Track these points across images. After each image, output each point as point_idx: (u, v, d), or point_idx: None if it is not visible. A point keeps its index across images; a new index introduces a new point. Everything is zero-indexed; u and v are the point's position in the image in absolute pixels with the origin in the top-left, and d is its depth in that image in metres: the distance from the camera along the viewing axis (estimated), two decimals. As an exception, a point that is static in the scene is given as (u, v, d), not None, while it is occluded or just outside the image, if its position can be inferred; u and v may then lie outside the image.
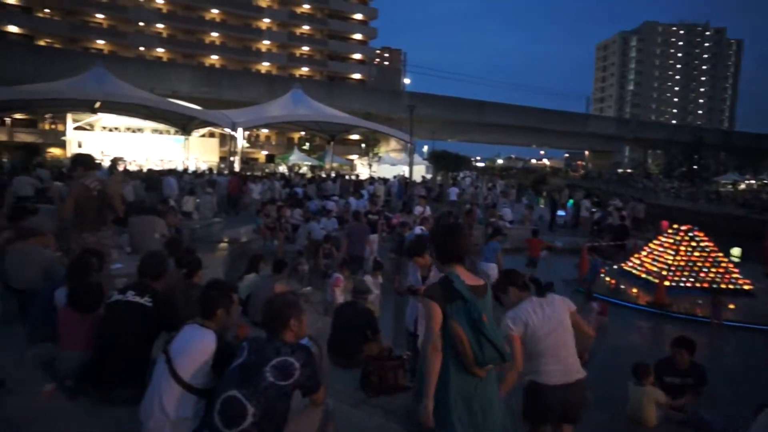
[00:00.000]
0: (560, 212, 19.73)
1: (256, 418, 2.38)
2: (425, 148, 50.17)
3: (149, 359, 3.37)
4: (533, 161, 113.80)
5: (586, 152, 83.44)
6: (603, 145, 66.08)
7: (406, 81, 59.63)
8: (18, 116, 36.42)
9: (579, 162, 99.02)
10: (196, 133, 29.40)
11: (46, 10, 50.88)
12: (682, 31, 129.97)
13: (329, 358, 5.03)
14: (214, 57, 58.29)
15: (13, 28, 48.47)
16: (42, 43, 48.20)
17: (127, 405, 3.19)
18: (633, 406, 4.66)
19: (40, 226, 5.08)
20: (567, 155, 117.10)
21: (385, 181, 24.72)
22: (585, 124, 61.02)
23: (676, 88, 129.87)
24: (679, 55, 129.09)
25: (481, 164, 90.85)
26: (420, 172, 35.13)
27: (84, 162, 5.56)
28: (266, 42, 61.32)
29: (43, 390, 3.46)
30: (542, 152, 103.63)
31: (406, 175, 28.93)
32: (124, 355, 3.36)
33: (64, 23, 50.73)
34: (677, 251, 11.41)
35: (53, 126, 42.78)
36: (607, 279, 11.60)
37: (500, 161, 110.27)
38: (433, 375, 2.63)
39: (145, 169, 22.42)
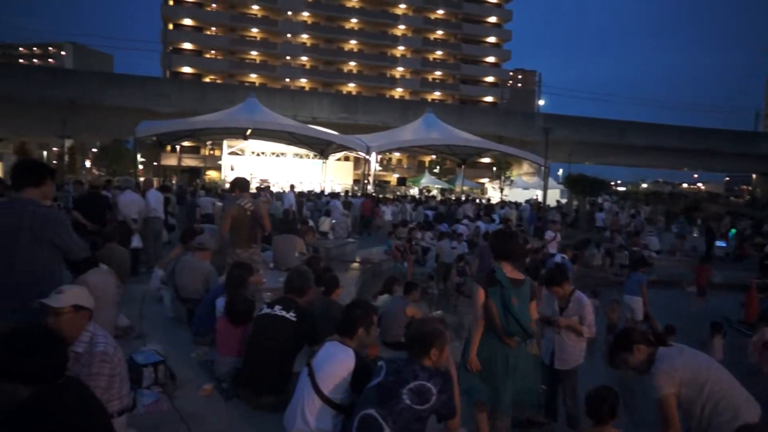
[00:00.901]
0: (720, 243, 17.57)
1: (393, 439, 2.42)
2: (560, 172, 47.98)
3: (292, 370, 3.62)
4: (684, 185, 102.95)
5: (754, 176, 73.46)
6: (778, 167, 57.47)
7: (540, 102, 57.59)
8: (185, 143, 41.74)
9: (743, 187, 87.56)
10: (333, 157, 31.18)
11: (212, 52, 58.20)
12: None
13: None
14: (351, 85, 61.81)
15: (186, 69, 56.14)
16: (207, 79, 55.06)
17: (272, 411, 3.44)
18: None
19: (205, 243, 5.73)
20: (728, 179, 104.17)
21: (517, 205, 24.04)
22: (754, 144, 53.71)
23: None
24: None
25: (622, 188, 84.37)
26: (554, 196, 33.64)
27: (240, 185, 6.21)
28: (400, 69, 63.63)
29: (203, 388, 3.87)
30: (695, 175, 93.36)
31: (539, 199, 27.84)
32: (270, 364, 3.63)
33: (225, 62, 57.62)
34: None
35: (212, 151, 48.48)
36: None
37: (644, 185, 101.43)
38: (476, 337, 3.66)
39: (286, 191, 24.28)
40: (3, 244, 3.03)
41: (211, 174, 44.73)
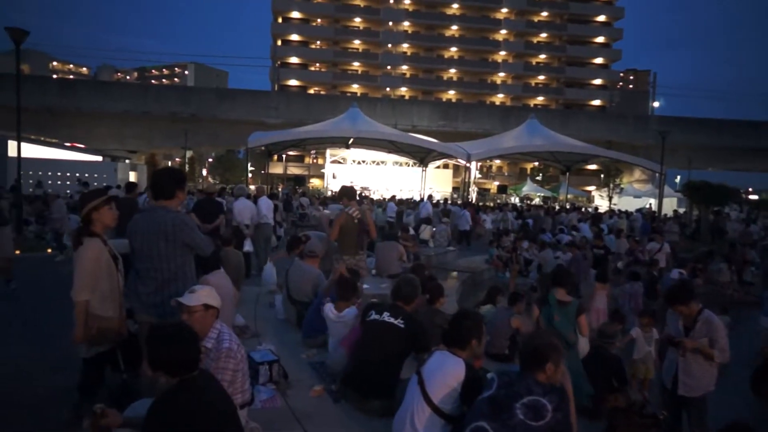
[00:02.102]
0: None
1: (505, 453, 2.35)
2: (677, 179, 44.21)
3: (399, 376, 3.65)
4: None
5: None
6: None
7: (655, 104, 53.55)
8: (291, 152, 44.01)
9: None
10: (432, 165, 31.22)
11: (317, 65, 60.98)
12: None
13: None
14: (451, 92, 61.63)
15: (293, 82, 59.30)
16: (311, 91, 57.74)
17: (380, 416, 3.49)
18: None
19: (316, 250, 5.98)
20: None
21: (627, 214, 22.52)
22: None
23: None
24: None
25: (754, 197, 75.79)
26: (671, 205, 31.06)
27: (348, 194, 6.41)
28: (501, 74, 62.42)
29: (313, 389, 4.02)
30: None
31: (653, 208, 25.89)
32: (378, 369, 3.68)
33: (328, 74, 60.10)
34: None
35: (315, 160, 50.69)
36: None
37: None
38: None
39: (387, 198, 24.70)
40: (147, 249, 3.42)
41: (315, 182, 46.73)
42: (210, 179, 59.64)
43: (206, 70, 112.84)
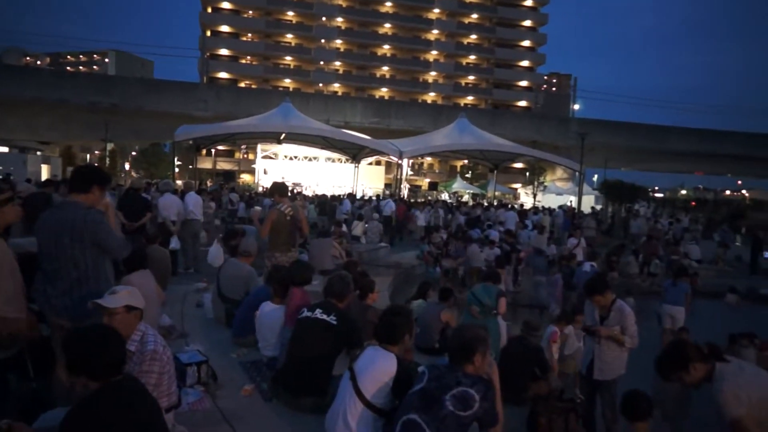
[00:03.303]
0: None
1: (435, 444, 2.43)
2: (595, 178, 46.97)
3: (331, 373, 3.66)
4: (727, 192, 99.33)
5: (807, 182, 70.34)
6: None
7: (575, 107, 56.53)
8: (220, 147, 42.60)
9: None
10: (365, 161, 31.33)
11: (248, 58, 59.40)
12: None
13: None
14: (384, 89, 62.03)
15: (223, 74, 57.46)
16: (242, 84, 56.18)
17: (312, 413, 3.49)
18: None
19: (250, 250, 5.84)
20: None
21: (550, 211, 23.67)
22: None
23: None
24: None
25: (660, 195, 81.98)
26: (589, 202, 32.96)
27: (279, 190, 6.32)
28: (433, 73, 63.55)
29: (243, 388, 3.95)
30: (739, 182, 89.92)
31: (573, 205, 27.37)
32: (310, 366, 3.67)
33: (260, 67, 58.69)
34: None
35: (245, 155, 49.38)
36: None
37: (683, 192, 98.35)
38: None
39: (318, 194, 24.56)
40: (53, 248, 3.15)
41: (245, 177, 45.56)
42: (133, 174, 56.56)
43: (129, 58, 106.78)
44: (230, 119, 24.62)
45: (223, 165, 49.08)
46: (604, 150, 39.96)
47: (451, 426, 2.43)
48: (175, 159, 26.62)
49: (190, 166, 41.92)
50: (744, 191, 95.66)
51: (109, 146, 45.52)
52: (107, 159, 47.31)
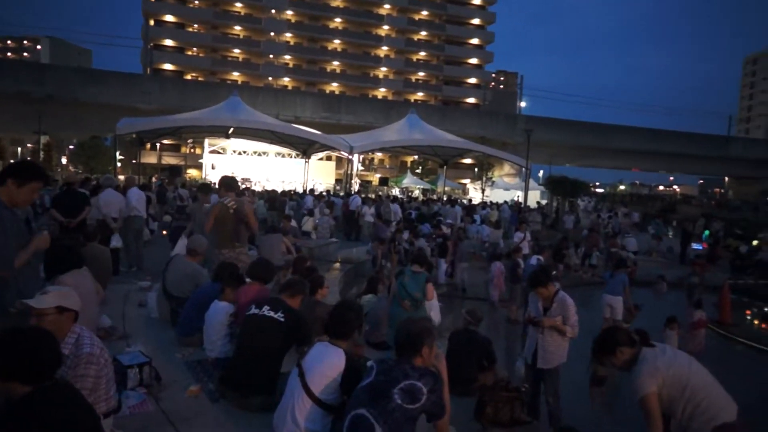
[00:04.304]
0: (695, 245, 17.97)
1: (384, 438, 2.44)
2: (541, 173, 48.55)
3: (280, 371, 3.61)
4: (661, 187, 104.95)
5: (726, 178, 75.26)
6: (749, 170, 59.00)
7: (522, 104, 58.07)
8: (166, 141, 41.13)
9: (717, 189, 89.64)
10: (315, 157, 31.08)
11: (194, 49, 57.54)
12: None
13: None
14: (335, 84, 61.63)
15: (168, 66, 55.43)
16: (189, 77, 54.38)
17: (260, 412, 3.43)
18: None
19: (197, 248, 5.66)
20: (701, 182, 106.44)
21: (498, 206, 24.25)
22: (726, 148, 54.96)
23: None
24: None
25: (600, 190, 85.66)
26: (535, 197, 34.01)
27: (226, 184, 6.16)
28: (383, 69, 63.65)
29: (189, 389, 3.84)
30: (671, 178, 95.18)
31: (520, 200, 28.14)
32: (258, 365, 3.61)
33: (207, 59, 56.97)
34: None
35: (192, 150, 47.91)
36: (755, 322, 10.30)
37: (622, 187, 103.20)
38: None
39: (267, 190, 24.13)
40: None
41: (192, 172, 44.21)
42: (71, 168, 53.71)
43: (65, 46, 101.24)
44: (176, 112, 23.78)
45: (169, 160, 47.40)
46: (550, 147, 41.28)
47: (399, 419, 2.45)
48: (117, 153, 25.44)
49: (134, 161, 40.34)
50: (675, 186, 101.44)
51: (44, 139, 43.03)
52: (41, 152, 44.75)
